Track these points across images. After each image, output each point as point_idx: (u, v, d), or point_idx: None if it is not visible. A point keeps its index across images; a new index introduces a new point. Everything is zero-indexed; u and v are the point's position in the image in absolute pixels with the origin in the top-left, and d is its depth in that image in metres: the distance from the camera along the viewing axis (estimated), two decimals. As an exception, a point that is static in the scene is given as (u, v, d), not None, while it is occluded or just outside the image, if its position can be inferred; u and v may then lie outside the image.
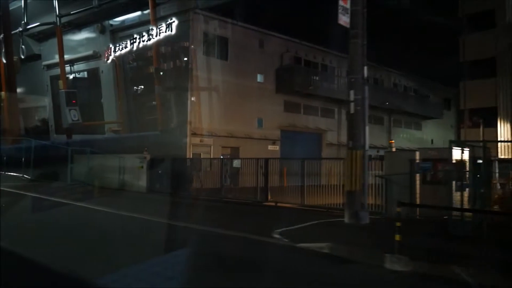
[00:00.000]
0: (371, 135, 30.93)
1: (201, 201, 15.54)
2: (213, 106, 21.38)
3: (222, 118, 21.76)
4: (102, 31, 24.58)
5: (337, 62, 28.40)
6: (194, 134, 20.27)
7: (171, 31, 20.99)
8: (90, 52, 25.16)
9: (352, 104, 10.08)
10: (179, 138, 20.00)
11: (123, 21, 23.96)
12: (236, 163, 15.17)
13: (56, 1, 23.40)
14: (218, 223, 10.10)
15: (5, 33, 24.47)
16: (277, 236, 8.27)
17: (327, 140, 27.39)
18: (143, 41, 22.90)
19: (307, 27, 25.51)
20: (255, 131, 23.36)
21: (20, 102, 28.77)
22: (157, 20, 20.95)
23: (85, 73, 27.05)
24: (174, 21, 20.70)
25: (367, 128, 10.10)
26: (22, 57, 26.33)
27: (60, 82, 23.51)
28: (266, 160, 14.18)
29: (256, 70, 23.58)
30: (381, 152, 31.98)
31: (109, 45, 24.92)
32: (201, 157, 20.48)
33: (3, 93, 25.93)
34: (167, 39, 21.23)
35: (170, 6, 21.25)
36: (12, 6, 25.62)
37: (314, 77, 25.26)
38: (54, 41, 24.47)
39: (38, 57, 28.38)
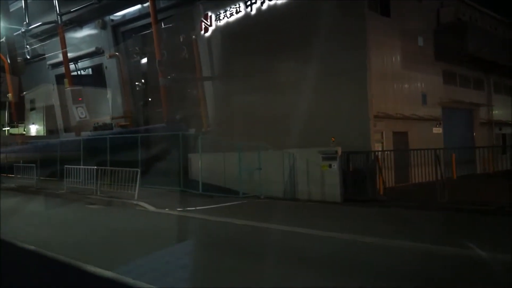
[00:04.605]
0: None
1: (462, 214, 10.32)
2: (382, 77, 16.01)
3: (391, 93, 16.47)
4: (103, 26, 24.03)
5: (483, 21, 22.96)
6: (376, 117, 14.92)
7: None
8: (93, 49, 24.68)
9: None
10: (357, 123, 14.67)
11: (124, 16, 23.32)
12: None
13: (56, 0, 23.14)
14: None
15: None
16: None
17: (480, 117, 22.04)
18: (262, 2, 17.63)
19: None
20: (420, 109, 18.04)
21: (28, 102, 30.07)
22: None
23: (90, 70, 26.80)
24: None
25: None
26: (28, 57, 27.13)
27: (66, 80, 23.16)
28: None
29: (416, 31, 18.14)
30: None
31: (207, 13, 19.77)
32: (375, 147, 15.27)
33: (10, 94, 26.85)
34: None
35: None
36: (13, 8, 25.27)
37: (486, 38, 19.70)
38: (57, 40, 24.16)
39: (43, 56, 27.80)
